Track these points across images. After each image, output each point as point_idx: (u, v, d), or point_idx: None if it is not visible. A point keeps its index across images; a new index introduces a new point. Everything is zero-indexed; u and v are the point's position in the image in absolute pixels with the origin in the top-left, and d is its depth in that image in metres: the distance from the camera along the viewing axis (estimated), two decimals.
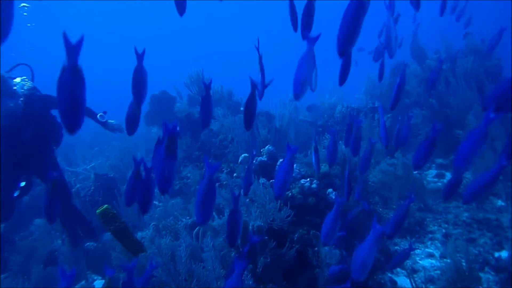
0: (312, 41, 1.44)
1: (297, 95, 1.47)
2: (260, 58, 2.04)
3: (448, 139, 4.50)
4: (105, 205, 2.05)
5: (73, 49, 0.93)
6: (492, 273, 2.46)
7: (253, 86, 1.64)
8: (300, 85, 1.45)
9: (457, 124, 4.49)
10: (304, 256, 2.45)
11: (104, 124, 3.35)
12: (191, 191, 4.64)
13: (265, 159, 3.07)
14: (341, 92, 7.27)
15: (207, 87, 1.70)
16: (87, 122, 8.35)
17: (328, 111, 6.50)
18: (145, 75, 1.46)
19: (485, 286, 2.37)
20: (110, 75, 24.04)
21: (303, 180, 2.71)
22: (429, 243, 3.01)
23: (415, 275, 2.59)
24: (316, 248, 2.46)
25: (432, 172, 4.54)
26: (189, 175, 4.83)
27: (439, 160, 4.64)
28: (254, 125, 4.59)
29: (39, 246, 3.59)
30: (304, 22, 1.77)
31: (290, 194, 2.62)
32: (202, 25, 31.23)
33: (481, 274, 2.49)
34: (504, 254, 2.61)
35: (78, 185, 4.60)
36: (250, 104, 1.67)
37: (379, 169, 3.76)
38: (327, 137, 4.39)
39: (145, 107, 5.76)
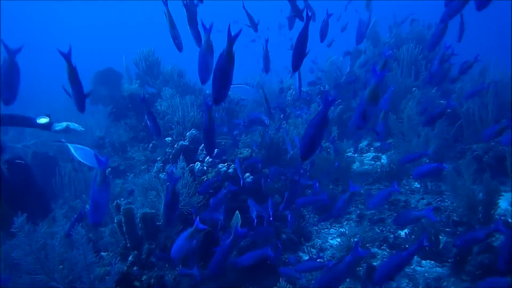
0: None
1: None
2: None
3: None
4: None
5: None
6: (387, 250, 2.68)
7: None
8: None
9: (393, 109, 4.69)
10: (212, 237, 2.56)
11: (47, 127, 2.99)
12: (136, 172, 4.68)
13: (187, 143, 3.13)
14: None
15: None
16: (42, 97, 8.04)
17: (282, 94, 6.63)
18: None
19: (379, 262, 2.59)
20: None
21: (220, 165, 2.80)
22: (345, 223, 3.20)
23: (322, 254, 2.78)
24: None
25: (370, 155, 4.75)
26: (134, 155, 4.86)
27: (377, 144, 4.84)
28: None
29: None
30: None
31: (205, 178, 2.71)
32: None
33: (379, 251, 2.70)
34: (403, 232, 2.84)
35: None
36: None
37: None
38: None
39: (88, 85, 5.67)
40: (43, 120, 2.99)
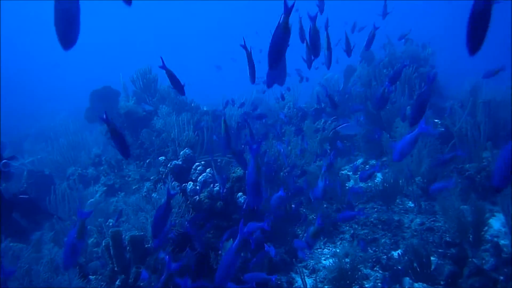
0: None
1: None
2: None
3: (380, 142, 4.71)
4: None
5: None
6: (380, 271, 2.66)
7: None
8: None
9: (387, 127, 4.72)
10: (207, 259, 2.55)
11: (5, 176, 2.85)
12: (131, 190, 4.67)
13: (180, 162, 3.14)
14: (297, 93, 7.46)
15: None
16: (41, 116, 8.16)
17: (278, 111, 6.67)
18: None
19: (371, 283, 2.56)
20: None
21: (212, 184, 2.80)
22: (338, 243, 3.18)
23: (314, 275, 2.75)
24: (219, 252, 2.57)
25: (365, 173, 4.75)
26: (130, 173, 4.87)
27: (372, 161, 4.86)
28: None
29: None
30: None
31: (197, 198, 2.71)
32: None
33: (372, 272, 2.68)
34: (396, 253, 2.82)
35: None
36: None
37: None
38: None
39: (85, 103, 5.72)
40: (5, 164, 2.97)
